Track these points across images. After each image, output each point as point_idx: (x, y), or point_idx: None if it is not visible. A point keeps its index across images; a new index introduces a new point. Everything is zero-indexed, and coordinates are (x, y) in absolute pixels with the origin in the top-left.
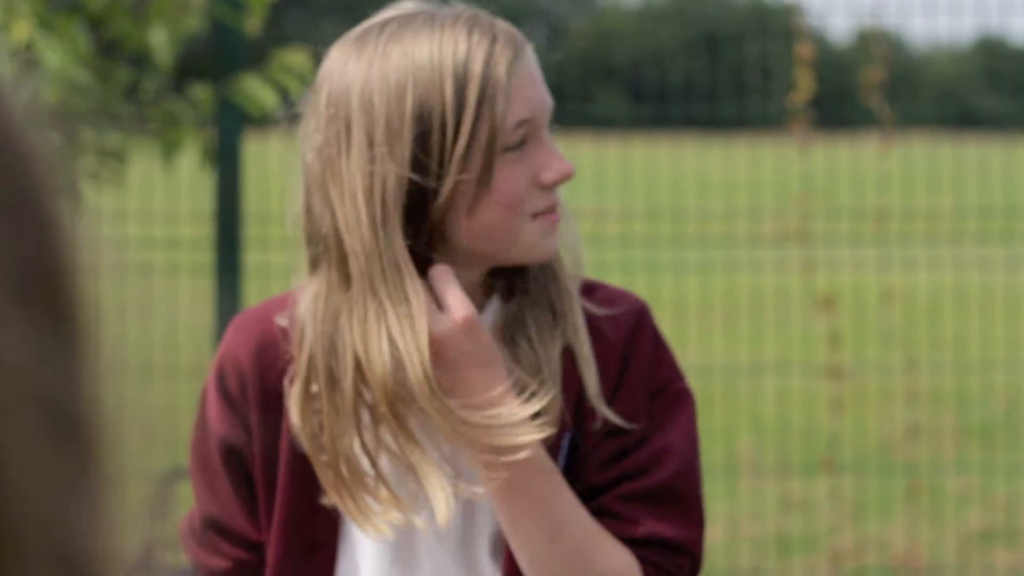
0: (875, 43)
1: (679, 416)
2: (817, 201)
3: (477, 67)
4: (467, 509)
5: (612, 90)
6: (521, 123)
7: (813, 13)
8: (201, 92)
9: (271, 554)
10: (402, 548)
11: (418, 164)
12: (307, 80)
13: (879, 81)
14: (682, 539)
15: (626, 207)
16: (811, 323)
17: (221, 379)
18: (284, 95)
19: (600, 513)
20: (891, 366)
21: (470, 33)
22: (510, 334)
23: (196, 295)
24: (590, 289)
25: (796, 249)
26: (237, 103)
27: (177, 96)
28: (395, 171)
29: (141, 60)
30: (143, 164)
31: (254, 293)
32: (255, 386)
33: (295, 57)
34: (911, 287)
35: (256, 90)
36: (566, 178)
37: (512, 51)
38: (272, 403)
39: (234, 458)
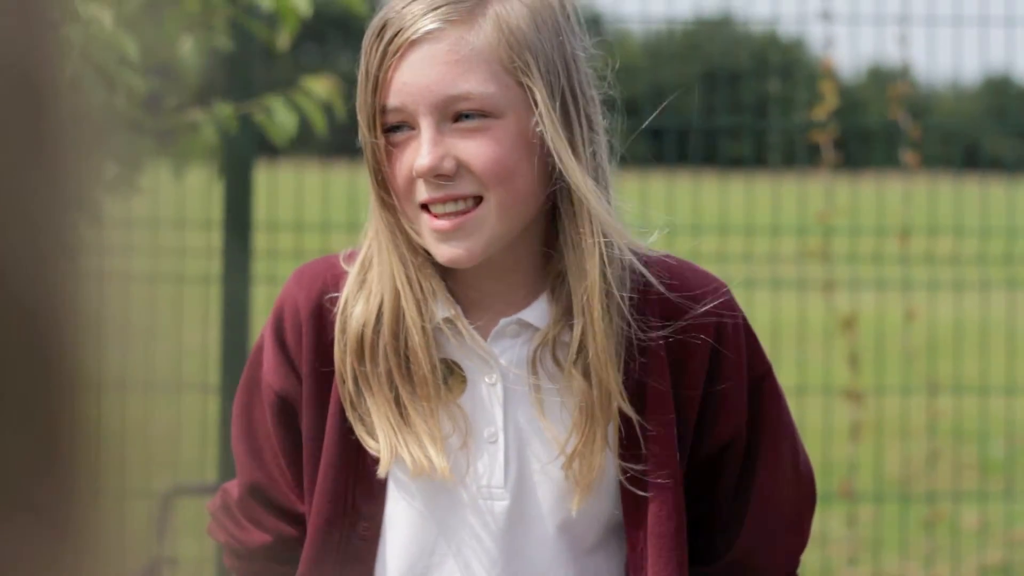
0: (898, 76)
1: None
2: (839, 218)
3: (364, 49)
4: (521, 495)
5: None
6: (392, 110)
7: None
8: (223, 108)
9: (312, 521)
10: (443, 531)
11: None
12: (331, 107)
13: (904, 95)
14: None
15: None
16: (831, 345)
17: (279, 328)
18: (303, 121)
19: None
20: (912, 389)
21: (383, 17)
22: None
23: (203, 305)
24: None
25: (817, 265)
26: (259, 125)
27: (200, 109)
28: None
29: (164, 70)
30: (151, 171)
31: (263, 302)
32: (310, 336)
33: (319, 84)
34: (934, 310)
35: (280, 113)
36: (420, 172)
37: (397, 37)
38: (326, 355)
39: (286, 412)
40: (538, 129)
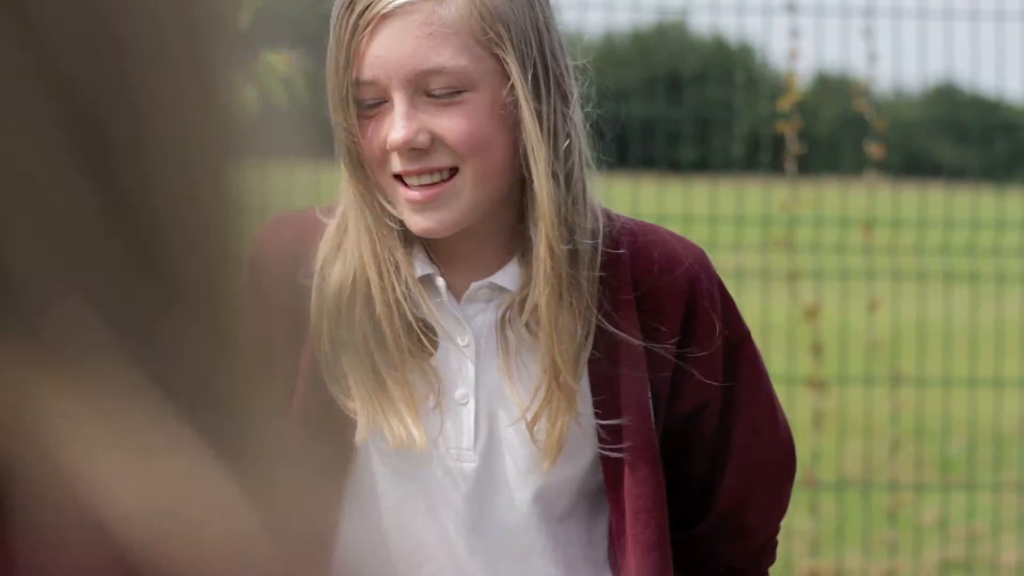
0: (861, 83)
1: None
2: (803, 208)
3: (333, 20)
4: (490, 457)
5: None
6: (366, 84)
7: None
8: None
9: None
10: (416, 487)
11: None
12: (289, 84)
13: (867, 87)
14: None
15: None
16: (795, 335)
17: (255, 272)
18: (264, 97)
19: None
20: (874, 380)
21: None
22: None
23: None
24: (639, 240)
25: (781, 255)
26: None
27: None
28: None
29: None
30: None
31: None
32: (288, 283)
33: (279, 59)
34: (897, 302)
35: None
36: (394, 145)
37: (368, 10)
38: (303, 306)
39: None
40: (510, 99)
